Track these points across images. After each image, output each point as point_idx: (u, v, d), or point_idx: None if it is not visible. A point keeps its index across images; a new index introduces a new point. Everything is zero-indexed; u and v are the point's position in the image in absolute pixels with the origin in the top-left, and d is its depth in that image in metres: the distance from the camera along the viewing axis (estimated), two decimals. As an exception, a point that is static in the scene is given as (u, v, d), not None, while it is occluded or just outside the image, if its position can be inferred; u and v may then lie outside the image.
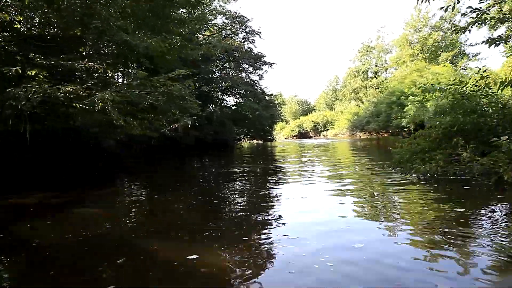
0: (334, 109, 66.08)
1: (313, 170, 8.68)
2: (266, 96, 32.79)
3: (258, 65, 28.50)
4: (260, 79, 32.91)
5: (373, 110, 31.36)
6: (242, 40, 27.79)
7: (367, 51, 54.00)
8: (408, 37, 35.04)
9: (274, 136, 65.93)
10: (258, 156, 17.10)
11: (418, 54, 33.14)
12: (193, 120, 21.19)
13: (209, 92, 25.23)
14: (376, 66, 53.43)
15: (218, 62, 29.08)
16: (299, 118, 72.02)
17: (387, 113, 26.33)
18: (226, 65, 30.75)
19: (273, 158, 14.67)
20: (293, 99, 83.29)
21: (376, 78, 52.28)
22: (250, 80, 30.92)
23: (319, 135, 64.19)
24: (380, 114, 28.08)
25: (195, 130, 21.92)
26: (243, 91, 26.85)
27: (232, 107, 30.88)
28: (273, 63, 30.57)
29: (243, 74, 30.69)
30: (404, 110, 24.33)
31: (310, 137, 64.08)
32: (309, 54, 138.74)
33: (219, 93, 27.78)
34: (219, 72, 29.74)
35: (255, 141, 48.29)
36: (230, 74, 28.42)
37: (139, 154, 18.36)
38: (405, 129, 24.49)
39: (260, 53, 28.45)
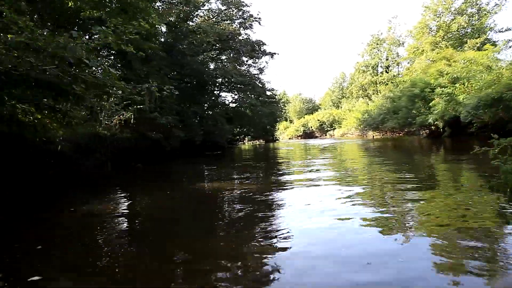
0: (341, 107, 62.17)
1: (324, 188, 5.09)
2: (267, 91, 29.15)
3: (256, 54, 24.74)
4: (260, 72, 29.36)
5: (390, 106, 27.37)
6: (238, 26, 24.10)
7: (377, 44, 50.02)
8: (428, 23, 30.99)
9: (278, 136, 62.37)
10: (254, 164, 13.43)
11: (440, 41, 29.14)
12: (175, 119, 17.70)
13: (199, 85, 21.71)
14: (387, 59, 49.43)
15: (212, 53, 25.55)
16: (304, 117, 68.15)
17: (408, 108, 22.44)
18: (223, 57, 27.22)
19: (272, 167, 10.99)
20: (297, 98, 79.39)
21: (387, 73, 48.31)
22: (249, 73, 27.33)
23: (325, 135, 60.44)
24: (399, 110, 24.16)
25: (179, 130, 18.44)
26: (240, 84, 23.15)
27: (228, 103, 27.30)
28: (275, 53, 26.91)
29: (243, 68, 27.15)
30: (430, 104, 20.53)
31: (316, 137, 60.41)
32: (313, 52, 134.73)
33: (214, 87, 24.20)
34: (214, 64, 26.21)
35: (257, 142, 44.84)
36: (226, 65, 24.81)
37: (107, 158, 14.82)
38: (432, 127, 20.62)
39: (259, 41, 24.79)
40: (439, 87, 20.10)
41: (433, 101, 20.29)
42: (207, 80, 20.26)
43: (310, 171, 8.30)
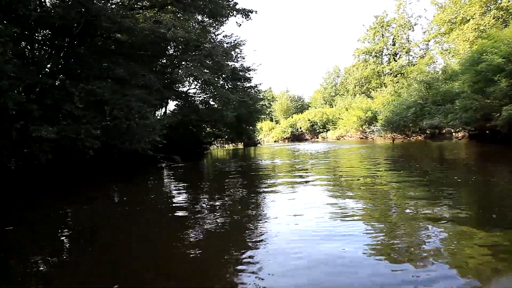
0: (335, 105, 53.00)
1: None
2: (241, 71, 19.35)
3: (218, 8, 14.73)
4: (233, 45, 19.55)
5: (428, 94, 17.68)
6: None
7: (382, 27, 41.15)
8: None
9: (261, 139, 52.61)
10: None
11: (499, 2, 19.99)
12: (31, 105, 7.65)
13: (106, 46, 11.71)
14: (393, 45, 40.56)
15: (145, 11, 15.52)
16: (292, 117, 58.66)
17: (475, 92, 13.01)
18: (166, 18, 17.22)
19: None
20: (284, 95, 69.85)
21: (396, 61, 39.40)
22: (212, 39, 17.52)
23: (317, 137, 51.19)
24: (451, 99, 14.53)
25: (47, 127, 8.44)
26: (182, 47, 13.12)
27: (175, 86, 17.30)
28: (251, 11, 17.01)
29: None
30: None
31: (306, 140, 51.11)
32: (302, 46, 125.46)
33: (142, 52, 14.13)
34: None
35: (231, 146, 34.96)
36: (161, 17, 14.76)
37: None
38: (510, 129, 11.24)
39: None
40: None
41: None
42: (109, 28, 10.16)
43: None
